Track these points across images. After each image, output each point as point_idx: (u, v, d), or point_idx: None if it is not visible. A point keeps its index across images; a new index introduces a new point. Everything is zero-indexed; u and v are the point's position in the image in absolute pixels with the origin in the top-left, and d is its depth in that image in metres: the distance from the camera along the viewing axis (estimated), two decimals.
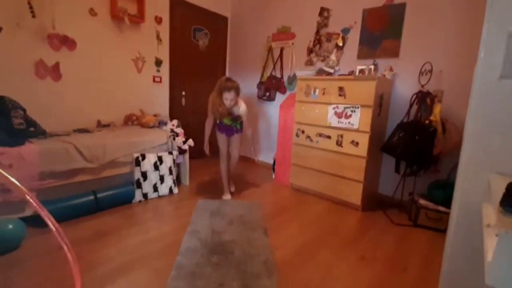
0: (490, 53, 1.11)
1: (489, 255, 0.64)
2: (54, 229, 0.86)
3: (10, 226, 1.65)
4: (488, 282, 0.60)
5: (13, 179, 0.85)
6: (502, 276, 0.59)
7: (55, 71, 2.62)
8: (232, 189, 2.95)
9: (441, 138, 2.29)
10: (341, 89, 2.64)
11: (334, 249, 1.93)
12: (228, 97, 2.48)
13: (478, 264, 1.05)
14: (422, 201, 2.36)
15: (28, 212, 1.90)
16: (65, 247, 0.86)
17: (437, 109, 2.30)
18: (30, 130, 2.15)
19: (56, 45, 2.58)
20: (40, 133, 2.23)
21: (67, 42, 2.65)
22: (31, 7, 2.37)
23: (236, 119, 2.69)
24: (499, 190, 0.84)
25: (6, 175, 0.84)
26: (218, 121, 2.73)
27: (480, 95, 1.14)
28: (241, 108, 2.61)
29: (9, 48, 2.32)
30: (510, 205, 0.69)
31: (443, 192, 2.29)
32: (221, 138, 2.75)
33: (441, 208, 2.25)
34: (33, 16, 2.40)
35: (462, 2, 2.36)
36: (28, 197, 0.84)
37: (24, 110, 2.17)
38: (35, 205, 0.86)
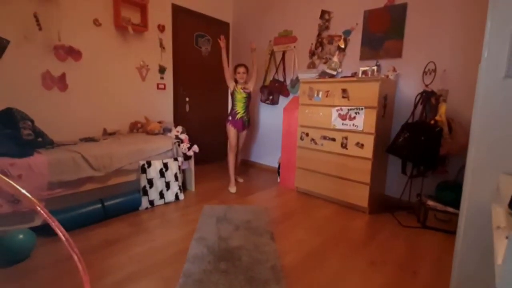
0: (494, 53, 1.10)
1: (499, 258, 0.63)
2: (64, 239, 0.88)
3: (21, 236, 1.67)
4: (499, 285, 0.59)
5: (23, 191, 0.87)
6: None
7: (61, 82, 2.66)
8: (240, 180, 3.46)
9: (448, 138, 2.27)
10: (344, 91, 2.64)
11: (343, 253, 1.91)
12: (240, 70, 3.14)
13: (489, 266, 1.04)
14: (430, 202, 2.33)
15: (37, 222, 1.93)
16: (75, 257, 0.87)
17: (442, 108, 2.28)
18: (38, 141, 2.18)
19: (62, 56, 2.63)
20: (48, 143, 2.26)
21: (72, 53, 2.70)
22: (37, 20, 2.43)
23: (248, 103, 3.21)
24: (508, 191, 0.83)
25: (18, 187, 0.86)
26: (230, 117, 3.19)
27: (485, 95, 1.13)
28: (251, 84, 3.24)
29: (17, 60, 2.37)
30: None
31: (451, 192, 2.26)
32: (233, 132, 3.18)
33: (450, 209, 2.22)
34: (40, 29, 2.45)
35: (464, 0, 2.35)
36: (39, 209, 0.85)
37: (32, 121, 2.21)
38: (46, 216, 0.87)
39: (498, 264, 0.62)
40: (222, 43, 3.20)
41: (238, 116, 3.16)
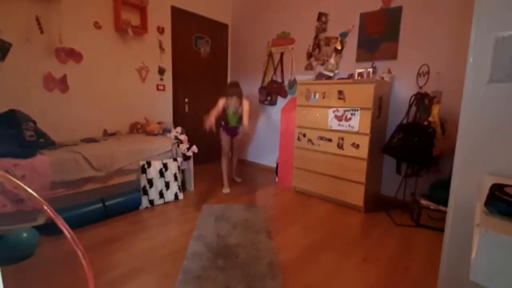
0: (479, 58, 1.16)
1: (473, 252, 0.68)
2: (69, 236, 0.93)
3: (24, 235, 1.72)
4: (471, 278, 0.64)
5: (30, 190, 0.92)
6: (483, 272, 0.63)
7: (62, 83, 2.71)
8: (239, 180, 3.51)
9: (441, 139, 2.32)
10: (340, 92, 2.69)
11: (338, 251, 1.97)
12: (231, 102, 2.95)
13: None
14: (424, 201, 2.38)
15: (40, 221, 1.98)
16: (80, 254, 0.92)
17: (435, 110, 2.34)
18: (40, 142, 2.23)
19: (63, 58, 2.68)
20: (50, 144, 2.30)
21: (73, 55, 2.74)
22: (39, 24, 2.47)
23: (241, 119, 3.04)
24: (487, 191, 0.88)
25: (25, 187, 0.90)
26: (223, 123, 3.15)
27: (471, 98, 1.18)
28: (244, 107, 2.96)
29: (19, 63, 2.42)
30: (493, 205, 0.74)
31: (444, 192, 2.28)
32: (226, 138, 3.18)
33: (443, 208, 2.27)
34: (41, 32, 2.50)
35: (458, 4, 2.41)
36: (45, 207, 0.90)
37: (34, 122, 2.26)
38: (52, 214, 0.92)
39: (472, 258, 0.67)
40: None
41: (231, 125, 3.16)
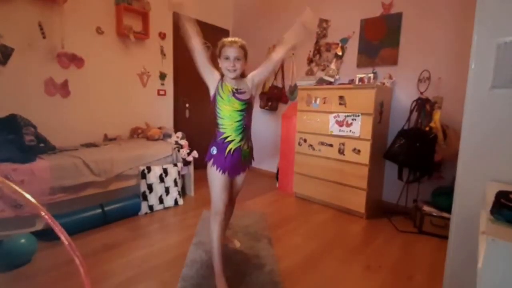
0: (481, 64, 1.15)
1: (480, 261, 0.67)
2: (67, 243, 0.91)
3: (22, 241, 1.70)
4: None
5: (28, 196, 0.91)
6: (491, 282, 0.61)
7: (64, 88, 2.72)
8: (238, 245, 2.01)
9: (443, 145, 2.31)
10: (341, 97, 2.69)
11: (339, 258, 1.94)
12: (230, 54, 1.55)
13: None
14: (426, 208, 2.36)
15: (38, 226, 1.96)
16: (77, 261, 0.90)
17: (436, 115, 2.33)
18: (40, 146, 2.22)
19: (65, 63, 2.69)
20: (50, 149, 2.30)
21: (75, 60, 2.75)
22: (42, 29, 2.49)
23: (246, 119, 1.59)
24: (492, 198, 0.87)
25: (23, 192, 0.89)
26: (215, 151, 1.55)
27: (473, 104, 1.18)
28: (252, 76, 1.67)
29: (21, 68, 2.43)
30: (499, 213, 0.72)
31: (447, 198, 2.28)
32: (220, 179, 1.54)
33: (446, 215, 2.25)
34: (44, 37, 2.51)
35: (458, 10, 2.42)
36: (43, 213, 0.89)
37: (35, 127, 2.26)
38: (49, 220, 0.91)
39: (479, 268, 0.65)
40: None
41: (232, 146, 1.54)
